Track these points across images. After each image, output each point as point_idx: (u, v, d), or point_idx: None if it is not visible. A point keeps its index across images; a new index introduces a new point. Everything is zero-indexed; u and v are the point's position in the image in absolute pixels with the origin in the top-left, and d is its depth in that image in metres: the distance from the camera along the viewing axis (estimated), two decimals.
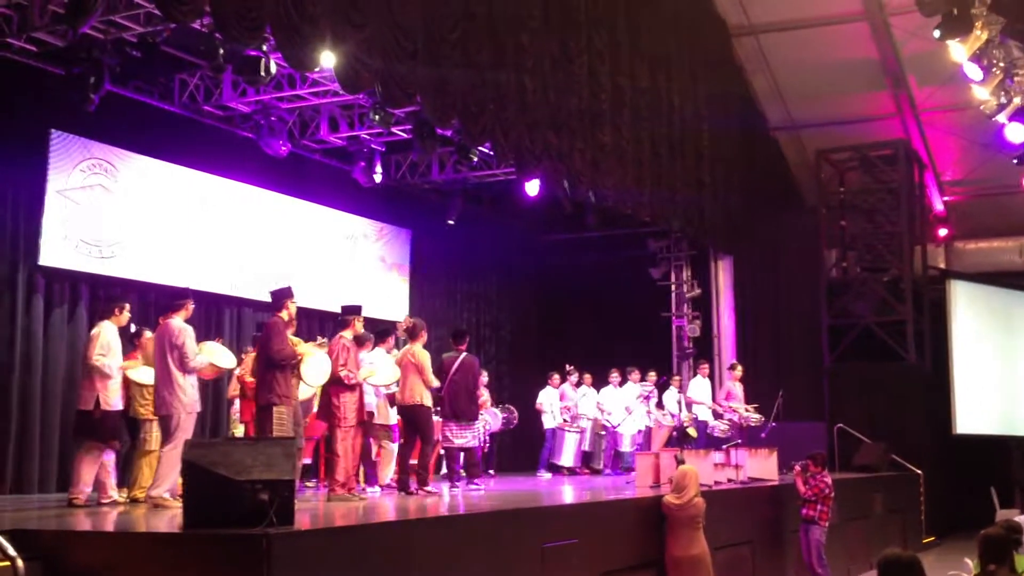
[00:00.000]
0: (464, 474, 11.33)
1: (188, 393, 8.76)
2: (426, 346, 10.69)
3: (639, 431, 15.40)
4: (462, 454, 11.22)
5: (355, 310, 10.00)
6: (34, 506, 9.23)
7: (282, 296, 9.24)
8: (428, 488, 10.08)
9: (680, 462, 10.08)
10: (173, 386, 8.68)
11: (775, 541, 11.78)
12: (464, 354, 11.11)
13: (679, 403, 14.82)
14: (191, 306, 9.21)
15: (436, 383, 10.41)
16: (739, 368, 15.89)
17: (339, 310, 10.30)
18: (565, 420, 15.54)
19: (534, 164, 12.30)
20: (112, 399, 9.15)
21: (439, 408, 10.99)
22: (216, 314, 13.29)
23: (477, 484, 11.09)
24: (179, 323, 8.93)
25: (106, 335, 9.22)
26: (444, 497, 10.00)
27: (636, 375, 15.87)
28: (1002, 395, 18.73)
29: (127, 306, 9.58)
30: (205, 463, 5.85)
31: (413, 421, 10.31)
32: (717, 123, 17.16)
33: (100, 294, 11.83)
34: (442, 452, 11.66)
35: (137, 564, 5.73)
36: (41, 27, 10.02)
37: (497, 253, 18.51)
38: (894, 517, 15.58)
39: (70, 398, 11.32)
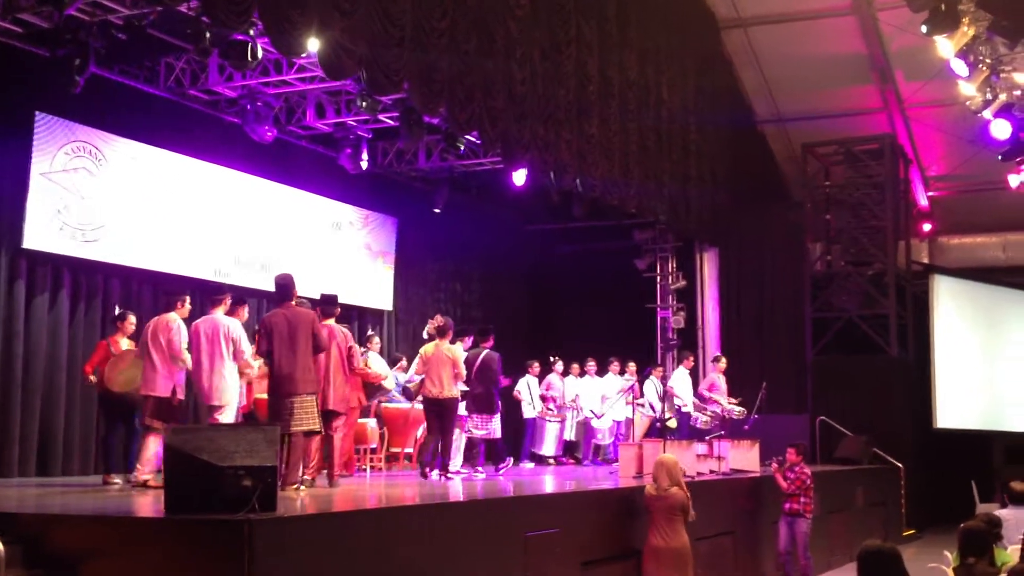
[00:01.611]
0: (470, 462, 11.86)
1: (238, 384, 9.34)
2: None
3: (616, 422, 15.45)
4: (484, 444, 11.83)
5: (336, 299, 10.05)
6: (13, 489, 9.19)
7: (292, 285, 9.04)
8: (450, 474, 10.79)
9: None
10: (229, 378, 9.09)
11: (756, 532, 11.83)
12: (486, 351, 11.53)
13: (659, 394, 14.86)
14: (228, 301, 9.52)
15: (465, 376, 11.05)
16: (723, 360, 15.94)
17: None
18: (550, 409, 15.55)
19: (521, 154, 12.29)
20: (181, 388, 9.48)
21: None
22: (199, 300, 13.22)
23: (480, 471, 11.53)
24: (227, 319, 9.25)
25: (183, 327, 9.42)
26: (455, 483, 10.49)
27: (616, 366, 15.90)
28: (983, 390, 18.85)
29: (187, 299, 9.80)
30: (188, 448, 5.82)
31: (444, 412, 10.82)
32: (705, 116, 17.18)
33: (83, 279, 11.80)
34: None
35: (118, 548, 5.71)
36: (26, 8, 9.95)
37: (483, 242, 18.48)
38: (875, 510, 15.68)
39: (50, 383, 11.32)
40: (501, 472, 11.68)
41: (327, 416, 9.26)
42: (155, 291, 12.54)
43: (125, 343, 10.09)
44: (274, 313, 8.94)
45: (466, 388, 11.33)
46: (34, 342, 11.22)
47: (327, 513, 6.68)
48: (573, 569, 8.17)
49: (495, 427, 11.53)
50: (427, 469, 10.76)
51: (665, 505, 9.02)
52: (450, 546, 6.85)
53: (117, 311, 10.36)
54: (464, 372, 10.96)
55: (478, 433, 11.49)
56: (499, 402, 11.64)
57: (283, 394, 8.60)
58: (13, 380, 10.96)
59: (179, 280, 12.79)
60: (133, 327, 10.21)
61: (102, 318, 11.91)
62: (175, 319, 9.43)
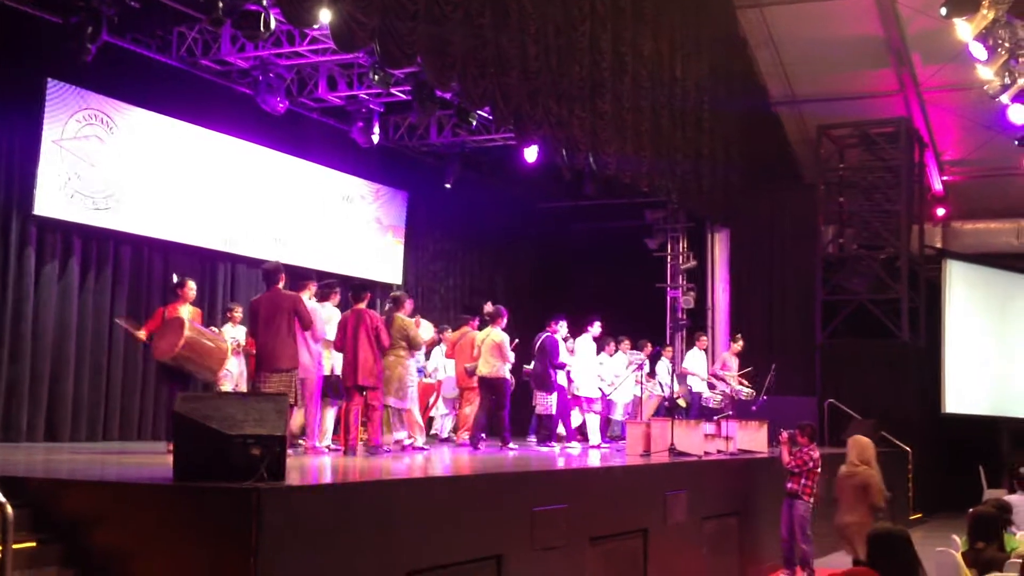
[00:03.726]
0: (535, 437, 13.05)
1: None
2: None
3: (630, 400, 15.40)
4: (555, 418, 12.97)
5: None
6: (22, 454, 9.22)
7: (278, 272, 9.68)
8: (511, 446, 11.81)
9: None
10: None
11: (761, 513, 11.81)
12: (546, 335, 12.74)
13: (670, 373, 14.79)
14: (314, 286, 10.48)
15: (513, 358, 12.26)
16: (740, 341, 15.85)
17: (333, 272, 10.82)
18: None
19: (533, 130, 12.22)
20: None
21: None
22: (210, 270, 13.25)
23: (549, 446, 12.55)
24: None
25: (316, 308, 10.22)
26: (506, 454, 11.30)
27: (626, 344, 15.84)
28: (993, 376, 18.78)
29: (314, 283, 10.51)
30: (197, 416, 5.81)
31: (495, 390, 11.96)
32: (719, 95, 17.06)
33: (93, 246, 11.80)
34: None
35: (126, 513, 5.71)
36: None
37: (494, 218, 18.43)
38: None
39: (59, 349, 11.36)
40: (568, 447, 12.72)
41: (360, 389, 10.13)
42: (165, 261, 12.55)
43: (186, 311, 9.92)
44: (259, 297, 9.74)
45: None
46: (44, 309, 11.23)
47: (335, 483, 6.68)
48: (581, 544, 8.16)
49: (550, 403, 12.72)
50: (478, 441, 11.72)
51: (851, 483, 9.93)
52: (458, 518, 6.85)
53: (175, 278, 10.54)
54: (511, 355, 12.11)
55: (539, 409, 12.75)
56: (555, 381, 12.71)
57: (264, 369, 9.38)
58: (23, 346, 10.99)
59: (189, 250, 12.81)
60: (193, 293, 10.22)
61: (112, 286, 11.94)
62: (322, 305, 10.42)
